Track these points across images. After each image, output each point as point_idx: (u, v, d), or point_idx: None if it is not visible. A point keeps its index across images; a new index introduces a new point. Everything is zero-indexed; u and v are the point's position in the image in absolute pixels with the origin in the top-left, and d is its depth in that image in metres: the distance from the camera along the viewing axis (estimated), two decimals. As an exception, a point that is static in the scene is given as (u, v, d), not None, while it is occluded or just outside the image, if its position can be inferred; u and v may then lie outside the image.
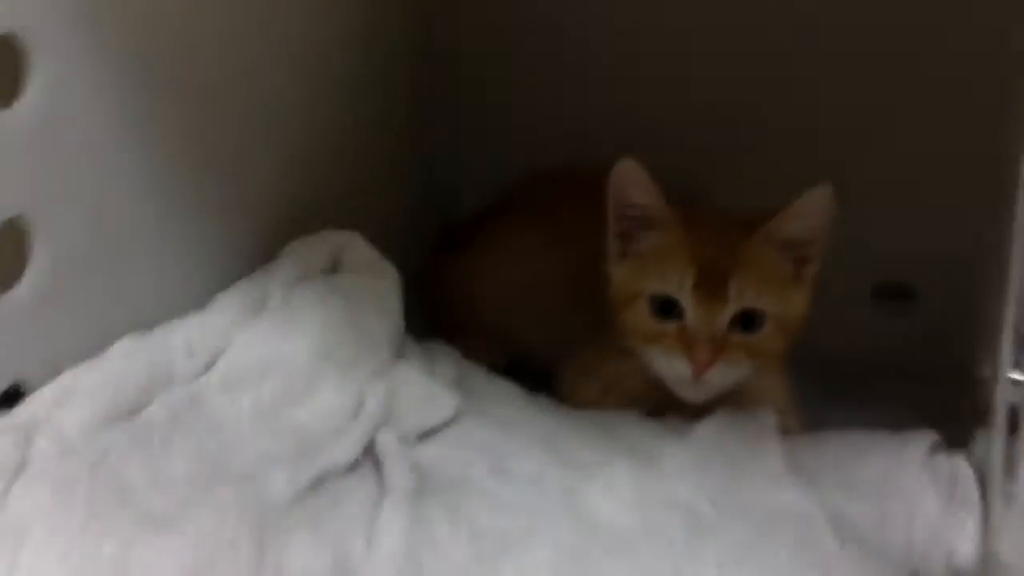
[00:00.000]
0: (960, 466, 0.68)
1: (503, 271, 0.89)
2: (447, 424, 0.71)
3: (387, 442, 0.65)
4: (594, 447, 0.70)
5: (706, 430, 0.71)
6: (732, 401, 0.75)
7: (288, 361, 0.69)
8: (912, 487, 0.67)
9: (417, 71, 1.00)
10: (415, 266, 0.91)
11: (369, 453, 0.66)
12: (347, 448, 0.64)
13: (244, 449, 0.64)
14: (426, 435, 0.70)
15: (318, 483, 0.62)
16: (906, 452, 0.70)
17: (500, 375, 0.81)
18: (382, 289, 0.77)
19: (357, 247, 0.78)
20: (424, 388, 0.72)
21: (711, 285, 0.72)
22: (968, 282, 0.92)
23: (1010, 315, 0.70)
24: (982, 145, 0.84)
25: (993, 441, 0.69)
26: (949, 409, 0.89)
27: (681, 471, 0.65)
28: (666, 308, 0.74)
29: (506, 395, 0.77)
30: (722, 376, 0.73)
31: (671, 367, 0.73)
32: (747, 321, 0.73)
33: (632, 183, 0.74)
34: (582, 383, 0.81)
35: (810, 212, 0.72)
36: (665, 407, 0.77)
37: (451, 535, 0.59)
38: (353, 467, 0.64)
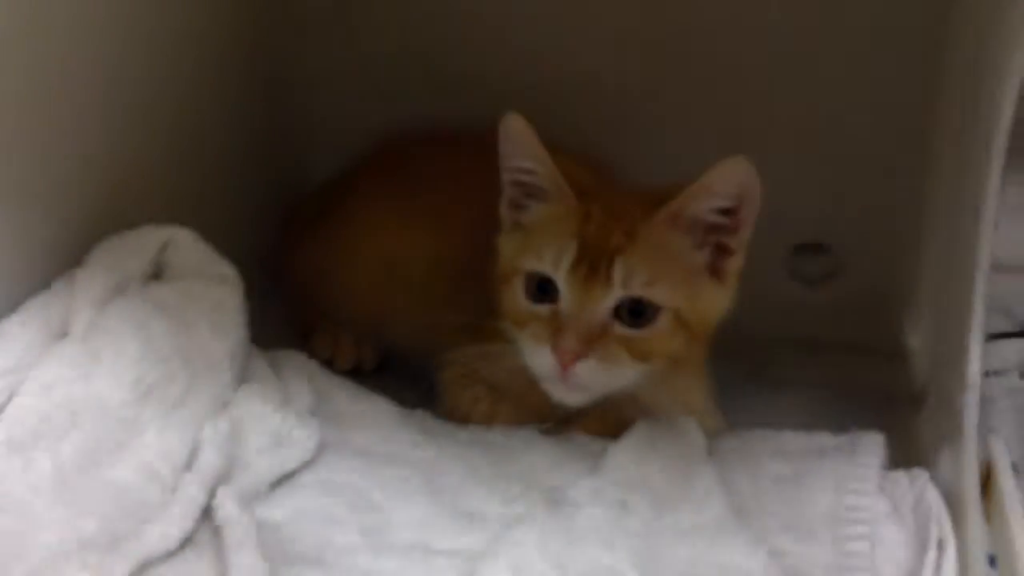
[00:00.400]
0: (926, 490, 0.58)
1: (362, 250, 0.75)
2: (305, 464, 0.58)
3: (228, 508, 0.52)
4: (489, 489, 0.57)
5: (623, 455, 0.59)
6: (633, 404, 0.63)
7: (97, 405, 0.54)
8: (871, 520, 0.56)
9: (248, 30, 0.84)
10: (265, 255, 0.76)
11: (207, 518, 0.52)
12: (174, 524, 0.51)
13: (42, 534, 0.49)
14: (279, 482, 0.56)
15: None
16: (857, 471, 0.60)
17: (366, 387, 0.68)
18: (218, 297, 0.61)
19: (185, 245, 0.62)
20: (275, 423, 0.59)
21: (593, 266, 0.60)
22: (890, 244, 0.84)
23: (977, 317, 0.59)
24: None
25: (964, 458, 0.59)
26: (878, 383, 0.82)
27: (600, 527, 0.53)
28: (542, 289, 0.61)
29: (375, 416, 0.64)
30: (594, 375, 0.60)
31: (537, 358, 0.61)
32: (635, 313, 0.60)
33: (518, 142, 0.62)
34: (465, 394, 0.67)
35: (722, 188, 0.60)
36: (567, 417, 0.65)
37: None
38: (185, 544, 0.51)
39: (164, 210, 0.65)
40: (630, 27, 0.80)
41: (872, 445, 0.62)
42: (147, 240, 0.62)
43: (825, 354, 0.83)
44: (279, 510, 0.54)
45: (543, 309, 0.61)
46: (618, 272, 0.59)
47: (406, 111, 0.79)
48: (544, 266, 0.61)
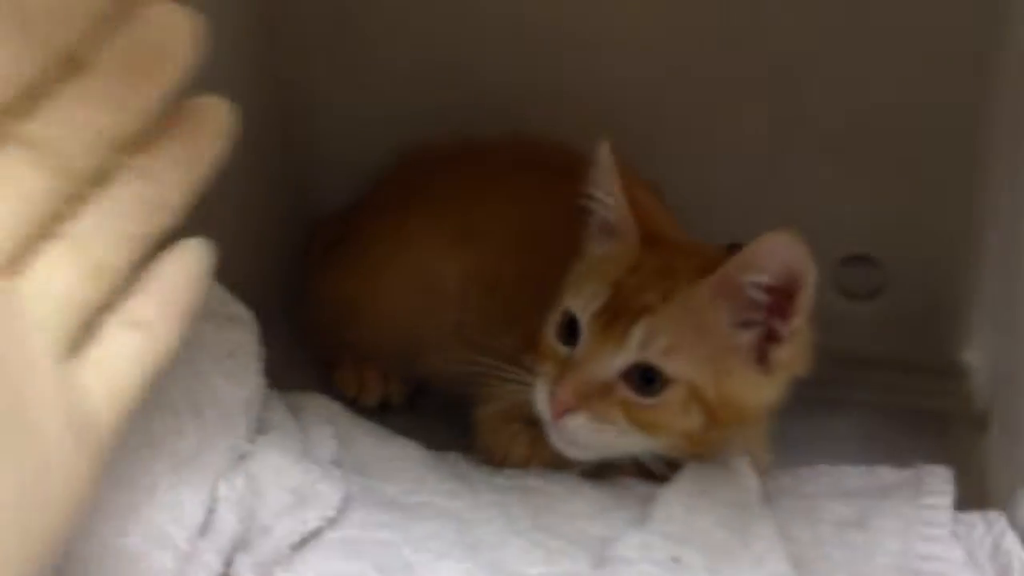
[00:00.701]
0: (1004, 535, 0.53)
1: (394, 268, 0.70)
2: (329, 521, 0.53)
3: (248, 580, 0.47)
4: (529, 543, 0.53)
5: (673, 504, 0.55)
6: None
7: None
8: (946, 571, 0.52)
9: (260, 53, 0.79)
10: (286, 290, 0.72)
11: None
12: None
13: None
14: (302, 542, 0.52)
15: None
16: (926, 513, 0.55)
17: (395, 425, 0.63)
18: (231, 341, 0.56)
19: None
20: (296, 477, 0.54)
21: (618, 320, 0.56)
22: (941, 254, 0.79)
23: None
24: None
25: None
26: (933, 404, 0.77)
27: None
28: (571, 330, 0.58)
29: (404, 462, 0.60)
30: (584, 433, 0.56)
31: (538, 400, 0.57)
32: (644, 379, 0.56)
33: (600, 172, 0.59)
34: (502, 432, 0.63)
35: (765, 263, 0.54)
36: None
37: None
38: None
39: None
40: (662, 36, 0.76)
41: (940, 482, 0.57)
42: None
43: (875, 372, 0.79)
44: None
45: (563, 350, 0.58)
46: (637, 333, 0.55)
47: (420, 131, 0.75)
48: (576, 305, 0.57)
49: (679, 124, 0.76)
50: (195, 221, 0.63)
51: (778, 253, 0.54)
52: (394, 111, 0.79)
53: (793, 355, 0.57)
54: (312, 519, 0.52)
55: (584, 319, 0.57)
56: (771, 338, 0.56)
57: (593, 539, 0.53)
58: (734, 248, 0.56)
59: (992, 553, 0.52)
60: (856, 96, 0.75)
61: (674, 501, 0.54)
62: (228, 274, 0.60)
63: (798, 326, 0.55)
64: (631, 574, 0.49)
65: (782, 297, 0.55)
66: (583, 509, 0.56)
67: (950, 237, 0.78)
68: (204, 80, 0.34)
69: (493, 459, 0.63)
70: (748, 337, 0.56)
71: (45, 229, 0.33)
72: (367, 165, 0.77)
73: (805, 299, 0.55)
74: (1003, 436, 0.67)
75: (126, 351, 0.35)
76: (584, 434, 0.56)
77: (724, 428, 0.57)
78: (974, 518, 0.54)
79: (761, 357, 0.56)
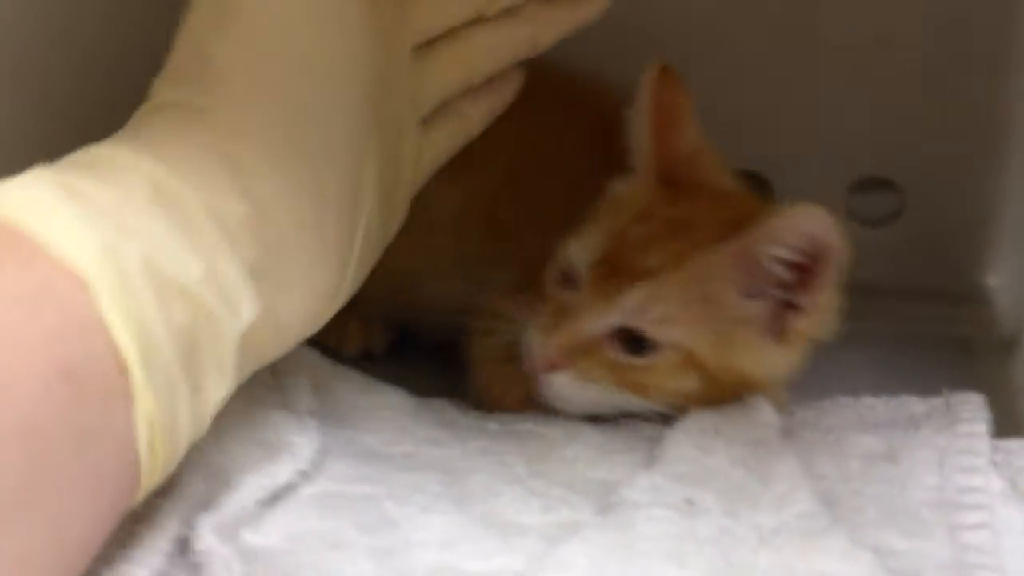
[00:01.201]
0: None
1: None
2: (303, 476, 0.48)
3: (208, 541, 0.42)
4: (526, 492, 0.48)
5: (685, 443, 0.49)
6: None
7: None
8: (989, 504, 0.46)
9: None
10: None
11: (184, 552, 0.43)
12: (143, 563, 0.41)
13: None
14: (273, 499, 0.47)
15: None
16: (962, 442, 0.50)
17: (377, 378, 0.58)
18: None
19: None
20: (267, 430, 0.49)
21: (616, 275, 0.51)
22: (963, 174, 0.74)
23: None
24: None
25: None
26: (956, 331, 0.72)
27: (664, 534, 0.43)
28: (569, 278, 0.53)
29: (387, 411, 0.54)
30: (569, 390, 0.52)
31: (526, 345, 0.53)
32: (634, 340, 0.51)
33: (640, 94, 0.54)
34: (499, 373, 0.58)
35: (790, 238, 0.49)
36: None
37: None
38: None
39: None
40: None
41: (973, 409, 0.52)
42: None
43: (894, 301, 0.73)
44: (272, 536, 0.45)
45: (561, 297, 0.53)
46: (632, 297, 0.51)
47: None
48: (575, 251, 0.53)
49: (688, 42, 0.70)
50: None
51: (806, 228, 0.49)
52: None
53: (814, 324, 0.52)
54: (283, 473, 0.47)
55: (581, 269, 0.52)
56: (790, 307, 0.51)
57: (596, 485, 0.48)
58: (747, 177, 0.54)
59: (1040, 485, 0.47)
60: (874, 11, 0.70)
61: (685, 441, 0.49)
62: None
63: (821, 298, 0.51)
64: (640, 519, 0.43)
65: (805, 271, 0.50)
66: (584, 453, 0.51)
67: (971, 157, 0.73)
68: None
69: (488, 401, 0.58)
70: (761, 308, 0.52)
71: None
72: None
73: (831, 275, 0.50)
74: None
75: (448, 131, 0.52)
76: (570, 392, 0.52)
77: (730, 393, 0.53)
78: (1014, 445, 0.49)
79: (775, 328, 0.52)
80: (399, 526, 0.46)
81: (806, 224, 0.49)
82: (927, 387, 0.56)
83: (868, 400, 0.56)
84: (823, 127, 0.72)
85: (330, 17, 0.45)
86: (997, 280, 0.74)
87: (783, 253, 0.50)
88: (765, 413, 0.52)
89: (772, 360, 0.53)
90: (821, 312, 0.52)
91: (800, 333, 0.52)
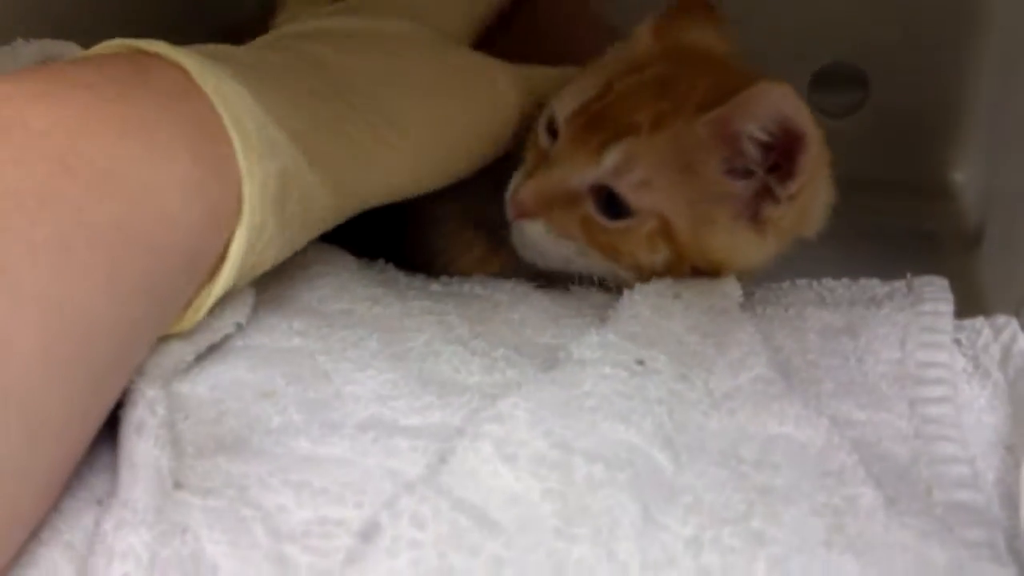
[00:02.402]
0: (1015, 340, 0.46)
1: None
2: (237, 329, 0.45)
3: (139, 384, 0.39)
4: (466, 351, 0.45)
5: (640, 303, 0.47)
6: None
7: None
8: (951, 379, 0.44)
9: None
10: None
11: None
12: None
13: None
14: (207, 352, 0.44)
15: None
16: (925, 320, 0.48)
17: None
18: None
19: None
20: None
21: (599, 129, 0.49)
22: (925, 66, 0.71)
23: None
24: None
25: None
26: (920, 226, 0.71)
27: (611, 392, 0.40)
28: (553, 129, 0.51)
29: (326, 268, 0.52)
30: (540, 240, 0.51)
31: (509, 189, 0.51)
32: (610, 201, 0.49)
33: None
34: (458, 237, 0.56)
35: (758, 112, 0.47)
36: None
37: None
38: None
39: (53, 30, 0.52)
40: None
41: (937, 290, 0.50)
42: (19, 58, 0.48)
43: (858, 194, 0.71)
44: (200, 385, 0.42)
45: (546, 145, 0.51)
46: (613, 155, 0.49)
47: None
48: (560, 100, 0.51)
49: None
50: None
51: (769, 106, 0.47)
52: None
53: (797, 218, 0.51)
54: (218, 328, 0.44)
55: (561, 117, 0.50)
56: (766, 196, 0.49)
57: (542, 347, 0.46)
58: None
59: (1001, 360, 0.45)
60: None
61: (642, 302, 0.46)
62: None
63: (799, 190, 0.48)
64: (587, 376, 0.41)
65: (781, 155, 0.48)
66: (531, 317, 0.48)
67: (939, 45, 0.71)
68: None
69: (444, 262, 0.55)
70: (741, 189, 0.49)
71: None
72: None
73: (807, 162, 0.48)
74: (1003, 252, 0.61)
75: None
76: (541, 242, 0.51)
77: (695, 270, 0.51)
78: (979, 323, 0.47)
79: (752, 213, 0.50)
80: (331, 380, 0.43)
81: (772, 100, 0.47)
82: (892, 278, 0.54)
83: (828, 282, 0.54)
84: (785, 13, 0.70)
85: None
86: (962, 175, 0.73)
87: (755, 131, 0.48)
88: (727, 284, 0.49)
89: (745, 247, 0.51)
90: (800, 205, 0.50)
91: (776, 224, 0.50)
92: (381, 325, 0.47)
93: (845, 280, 0.54)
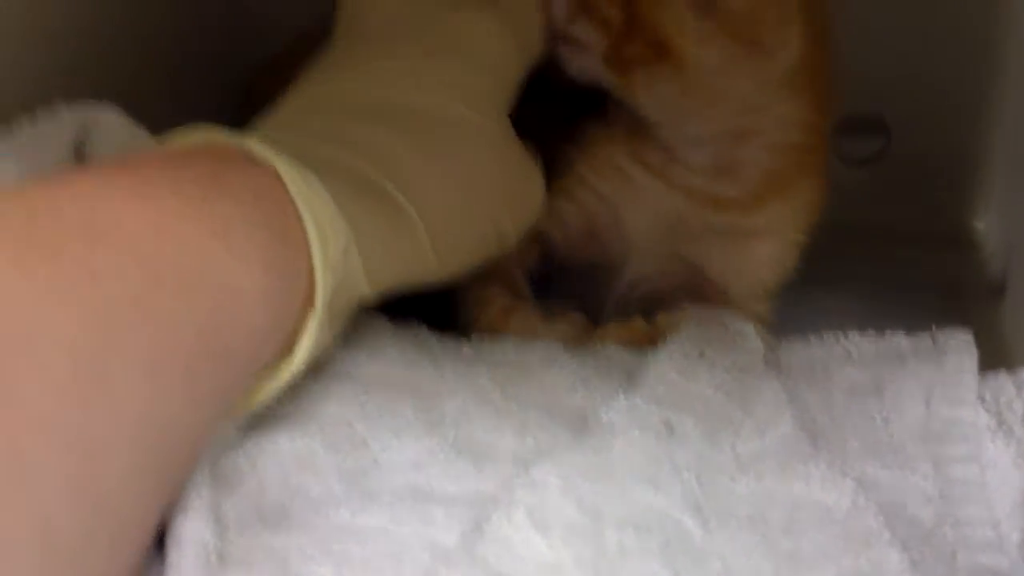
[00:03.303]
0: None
1: None
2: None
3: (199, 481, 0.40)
4: (499, 417, 0.46)
5: (666, 366, 0.48)
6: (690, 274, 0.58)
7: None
8: (975, 437, 0.45)
9: None
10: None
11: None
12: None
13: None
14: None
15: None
16: (949, 376, 0.48)
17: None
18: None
19: (111, 127, 0.50)
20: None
21: None
22: (949, 112, 0.72)
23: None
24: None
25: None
26: (943, 275, 0.71)
27: (641, 458, 0.41)
28: None
29: (360, 332, 0.53)
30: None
31: None
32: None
33: None
34: (480, 294, 0.58)
35: None
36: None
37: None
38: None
39: (93, 95, 0.54)
40: None
41: (961, 345, 0.51)
42: (62, 123, 0.49)
43: (879, 244, 0.72)
44: (242, 458, 0.43)
45: None
46: None
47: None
48: None
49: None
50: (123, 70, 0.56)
51: None
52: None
53: (757, 17, 0.53)
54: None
55: None
56: None
57: (572, 411, 0.47)
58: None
59: (1024, 419, 0.46)
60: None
61: (667, 363, 0.47)
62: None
63: None
64: (617, 442, 0.42)
65: None
66: (562, 380, 0.49)
67: (959, 92, 0.72)
68: None
69: (467, 321, 0.57)
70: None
71: None
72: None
73: None
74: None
75: None
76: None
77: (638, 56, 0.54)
78: (1003, 380, 0.48)
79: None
80: (369, 447, 0.44)
81: None
82: (914, 329, 0.55)
83: (855, 337, 0.54)
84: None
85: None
86: (984, 223, 0.73)
87: None
88: (752, 341, 0.50)
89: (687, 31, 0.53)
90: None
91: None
92: (416, 390, 0.48)
93: (871, 334, 0.54)
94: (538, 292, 0.61)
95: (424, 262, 0.49)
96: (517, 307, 0.58)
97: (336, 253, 0.42)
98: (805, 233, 0.60)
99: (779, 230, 0.59)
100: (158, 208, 0.36)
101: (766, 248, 0.60)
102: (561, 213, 0.59)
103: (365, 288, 0.45)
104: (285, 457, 0.43)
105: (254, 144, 0.41)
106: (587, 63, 0.56)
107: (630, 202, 0.59)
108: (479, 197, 0.51)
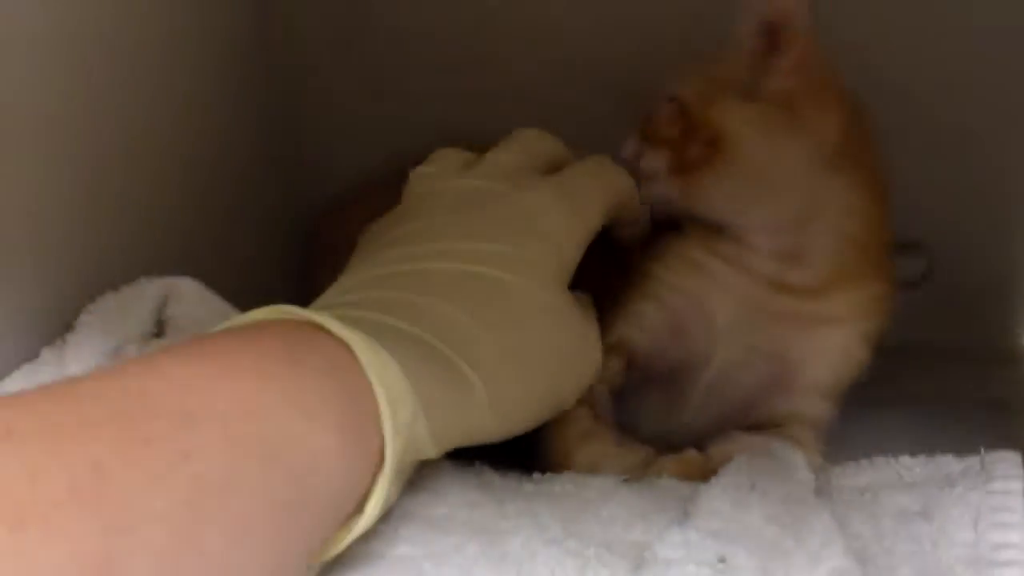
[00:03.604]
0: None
1: None
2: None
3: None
4: (561, 552, 0.48)
5: (718, 498, 0.50)
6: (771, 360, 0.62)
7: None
8: (1020, 561, 0.46)
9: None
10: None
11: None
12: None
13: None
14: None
15: None
16: (996, 499, 0.50)
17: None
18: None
19: (189, 296, 0.54)
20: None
21: None
22: (991, 234, 0.74)
23: None
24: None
25: None
26: (990, 392, 0.72)
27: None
28: None
29: (424, 473, 0.55)
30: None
31: None
32: None
33: None
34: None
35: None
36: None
37: None
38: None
39: (167, 260, 0.58)
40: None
41: (1009, 466, 0.52)
42: (144, 295, 0.53)
43: (928, 363, 0.74)
44: (317, 600, 0.46)
45: None
46: None
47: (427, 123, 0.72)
48: None
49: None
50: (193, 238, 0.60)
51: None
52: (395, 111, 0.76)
53: (801, 96, 0.59)
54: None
55: None
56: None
57: (631, 545, 0.48)
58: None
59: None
60: (893, 68, 0.71)
61: (719, 496, 0.49)
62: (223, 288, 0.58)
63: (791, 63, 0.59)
64: (673, 576, 0.44)
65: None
66: (620, 514, 0.51)
67: (1000, 215, 0.74)
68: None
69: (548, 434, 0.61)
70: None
71: None
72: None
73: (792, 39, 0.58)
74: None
75: None
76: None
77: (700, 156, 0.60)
78: (1055, 508, 0.49)
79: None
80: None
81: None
82: (963, 447, 0.56)
83: (905, 460, 0.56)
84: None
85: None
86: (1029, 344, 0.75)
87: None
88: (801, 471, 0.52)
89: (738, 115, 0.60)
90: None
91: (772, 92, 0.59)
92: (480, 528, 0.50)
93: (922, 458, 0.56)
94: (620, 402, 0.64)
95: (484, 424, 0.52)
96: (594, 434, 0.60)
97: (405, 419, 0.45)
98: (876, 327, 0.64)
99: (850, 319, 0.63)
100: (242, 388, 0.39)
101: (839, 335, 0.63)
102: (644, 316, 0.63)
103: (431, 450, 0.49)
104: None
105: (327, 320, 0.44)
106: (658, 190, 0.61)
107: (713, 292, 0.63)
108: (536, 363, 0.55)
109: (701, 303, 0.63)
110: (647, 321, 0.64)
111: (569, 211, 0.59)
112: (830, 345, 0.63)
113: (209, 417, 0.38)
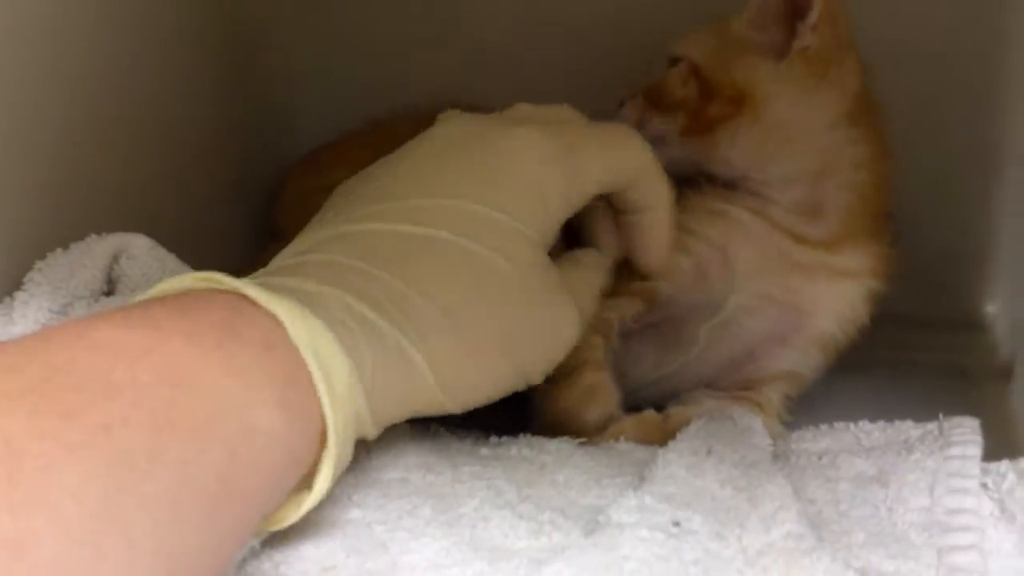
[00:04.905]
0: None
1: None
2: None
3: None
4: (514, 517, 0.48)
5: (674, 463, 0.50)
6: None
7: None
8: (978, 525, 0.46)
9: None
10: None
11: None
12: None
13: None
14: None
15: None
16: (953, 465, 0.50)
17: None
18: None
19: (141, 254, 0.53)
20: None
21: None
22: (957, 201, 0.74)
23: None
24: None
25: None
26: (952, 359, 0.72)
27: (649, 555, 0.43)
28: None
29: (381, 437, 0.55)
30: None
31: None
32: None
33: None
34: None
35: None
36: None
37: None
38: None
39: (120, 217, 0.57)
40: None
41: (967, 433, 0.52)
42: (94, 252, 0.52)
43: (891, 329, 0.73)
44: (266, 563, 0.45)
45: None
46: None
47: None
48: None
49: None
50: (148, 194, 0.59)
51: None
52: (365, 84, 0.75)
53: (825, 52, 0.60)
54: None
55: None
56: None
57: (586, 509, 0.48)
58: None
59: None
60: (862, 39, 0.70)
61: (675, 461, 0.49)
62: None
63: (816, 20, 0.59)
64: (626, 540, 0.43)
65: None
66: (575, 478, 0.51)
67: (965, 184, 0.74)
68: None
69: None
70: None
71: None
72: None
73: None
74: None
75: None
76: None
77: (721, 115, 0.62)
78: (1005, 467, 0.49)
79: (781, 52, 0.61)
80: (388, 550, 0.46)
81: None
82: (925, 414, 0.56)
83: (865, 425, 0.56)
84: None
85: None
86: (994, 307, 0.74)
87: None
88: (759, 436, 0.52)
89: (770, 78, 0.62)
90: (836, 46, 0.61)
91: (804, 55, 0.60)
92: (434, 492, 0.50)
93: (881, 423, 0.56)
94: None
95: (430, 399, 0.50)
96: (599, 390, 0.60)
97: (341, 392, 0.43)
98: (879, 288, 0.65)
99: (860, 274, 0.65)
100: (173, 360, 0.38)
101: (849, 288, 0.65)
102: (673, 265, 0.62)
103: (370, 427, 0.47)
104: (308, 562, 0.45)
105: (252, 290, 0.43)
106: (664, 152, 0.60)
107: (736, 238, 0.64)
108: (492, 340, 0.52)
109: (725, 250, 0.63)
110: (675, 269, 0.63)
111: (559, 156, 0.54)
112: (840, 297, 0.64)
113: (136, 388, 0.36)
